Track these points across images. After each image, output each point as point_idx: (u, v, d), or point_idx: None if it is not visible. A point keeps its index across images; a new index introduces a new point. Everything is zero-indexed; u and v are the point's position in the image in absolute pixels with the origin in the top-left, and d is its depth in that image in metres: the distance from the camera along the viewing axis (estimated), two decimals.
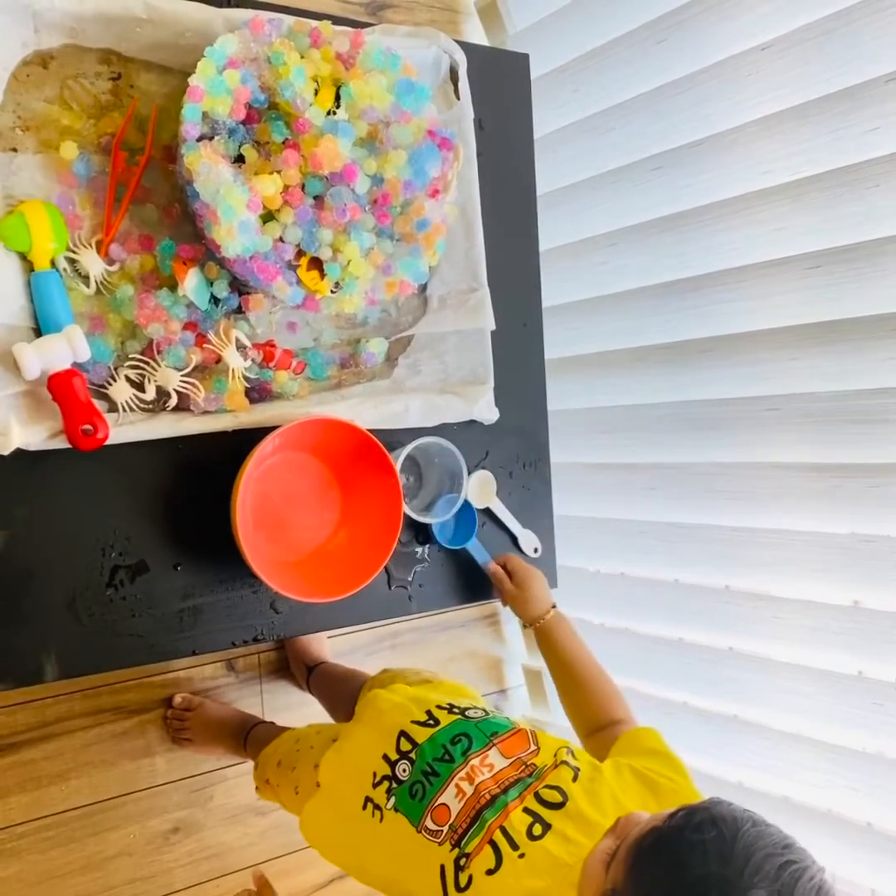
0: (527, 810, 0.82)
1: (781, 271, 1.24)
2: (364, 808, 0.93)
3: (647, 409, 1.48)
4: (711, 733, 1.44)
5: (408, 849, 0.86)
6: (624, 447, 1.54)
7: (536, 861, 0.78)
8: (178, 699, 1.54)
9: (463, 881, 0.80)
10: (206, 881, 1.60)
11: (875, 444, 1.18)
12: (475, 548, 1.18)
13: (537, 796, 0.83)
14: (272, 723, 1.49)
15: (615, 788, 0.84)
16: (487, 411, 1.17)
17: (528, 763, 0.88)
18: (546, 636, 1.11)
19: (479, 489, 1.19)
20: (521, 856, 0.78)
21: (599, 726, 1.01)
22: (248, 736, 1.45)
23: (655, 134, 1.41)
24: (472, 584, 1.20)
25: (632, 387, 1.50)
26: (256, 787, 1.23)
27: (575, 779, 0.84)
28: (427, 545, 1.17)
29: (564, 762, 0.87)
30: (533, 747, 0.91)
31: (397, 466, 1.03)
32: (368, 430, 1.01)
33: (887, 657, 1.20)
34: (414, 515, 1.10)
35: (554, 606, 1.13)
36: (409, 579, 1.15)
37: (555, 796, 0.83)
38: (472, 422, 1.18)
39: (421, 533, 1.16)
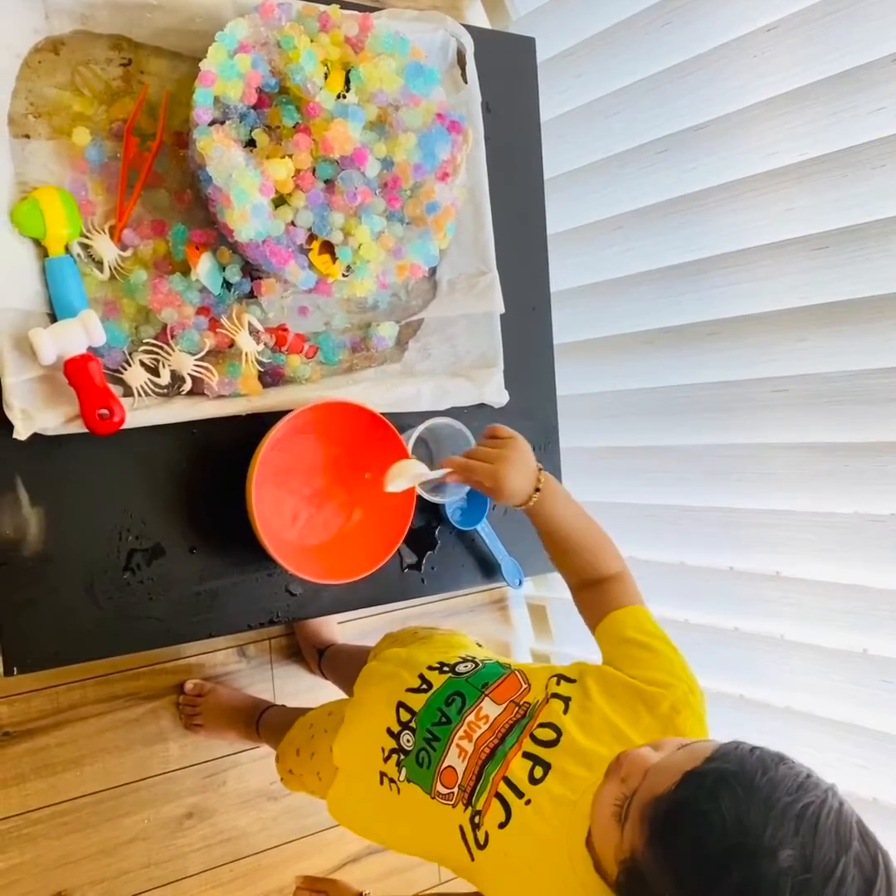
0: (526, 754, 0.83)
1: (788, 253, 1.25)
2: (381, 783, 0.94)
3: (653, 392, 1.49)
4: (718, 713, 1.43)
5: (427, 816, 0.88)
6: (631, 431, 1.55)
7: (543, 805, 0.79)
8: (189, 685, 1.55)
9: (481, 839, 0.82)
10: (220, 865, 1.62)
11: (882, 423, 1.18)
12: (486, 530, 1.19)
13: (533, 737, 0.84)
14: (283, 706, 1.50)
15: (605, 710, 0.84)
16: (497, 394, 1.18)
17: (521, 703, 0.89)
18: (535, 517, 0.98)
19: (409, 478, 0.99)
20: (528, 803, 0.80)
21: (590, 581, 0.97)
22: (260, 720, 1.47)
23: (660, 117, 1.41)
24: (483, 566, 1.21)
25: (638, 370, 1.51)
26: (281, 779, 1.24)
27: (566, 710, 0.84)
28: (438, 528, 1.17)
29: (555, 694, 0.87)
30: (524, 686, 0.91)
31: (409, 447, 1.04)
32: (380, 413, 1.02)
33: (893, 635, 1.21)
34: (426, 495, 1.10)
35: (537, 489, 0.96)
36: (422, 562, 1.16)
37: (549, 734, 0.83)
38: (483, 405, 1.18)
39: (433, 516, 1.17)
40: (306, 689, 1.65)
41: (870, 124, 1.14)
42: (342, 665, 1.52)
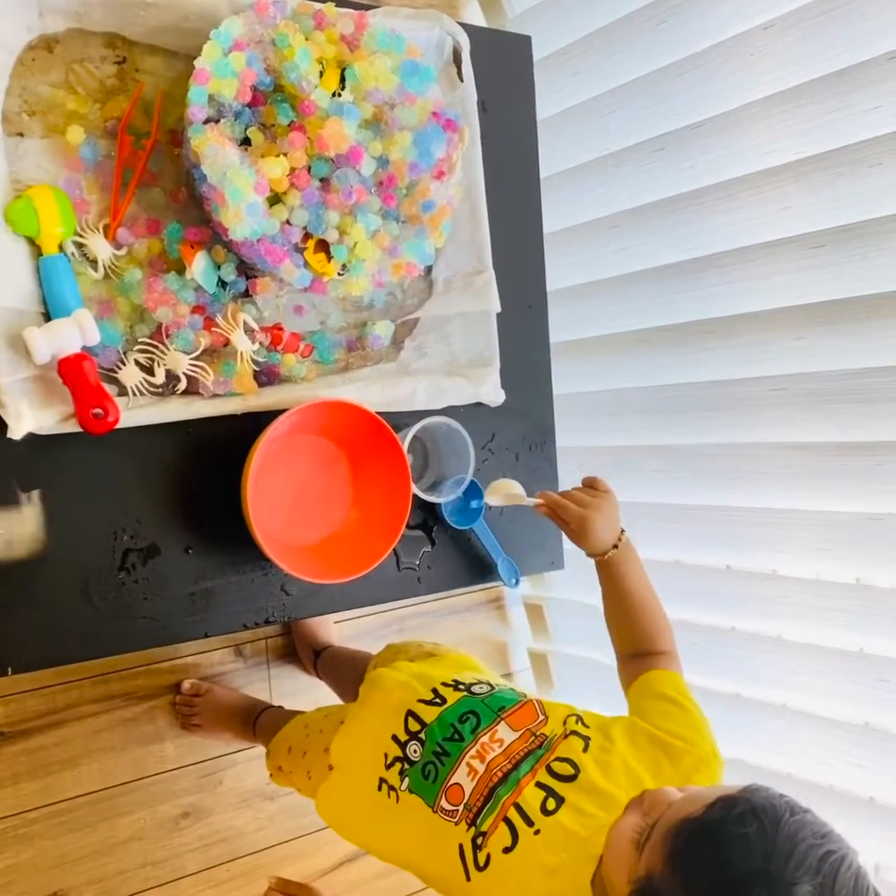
0: (539, 785, 0.83)
1: (785, 251, 1.25)
2: (379, 789, 0.94)
3: (650, 391, 1.49)
4: (714, 712, 1.43)
5: (426, 829, 0.87)
6: (628, 430, 1.55)
7: (552, 836, 0.79)
8: (186, 685, 1.55)
9: (481, 860, 0.81)
10: (217, 865, 1.62)
11: (879, 422, 1.19)
12: (482, 529, 1.19)
13: (549, 770, 0.84)
14: (280, 707, 1.50)
15: (627, 756, 0.84)
16: (494, 393, 1.18)
17: (538, 733, 0.89)
18: (606, 571, 1.03)
19: (503, 496, 1.13)
20: (537, 832, 0.79)
21: (639, 652, 1.00)
22: (257, 721, 1.47)
23: (657, 115, 1.41)
24: (479, 565, 1.21)
25: (636, 369, 1.51)
26: (270, 775, 1.25)
27: (585, 749, 0.85)
28: (435, 528, 1.17)
29: (574, 732, 0.87)
30: (541, 717, 0.91)
31: (405, 446, 1.04)
32: (376, 412, 1.02)
33: (890, 633, 1.21)
34: (422, 495, 1.10)
35: (616, 545, 1.02)
36: (418, 561, 1.16)
37: (566, 769, 0.83)
38: (479, 404, 1.18)
39: (429, 516, 1.17)
40: (303, 690, 1.65)
41: (866, 123, 1.14)
42: (338, 668, 1.52)
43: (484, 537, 1.19)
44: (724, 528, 1.41)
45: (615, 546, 1.02)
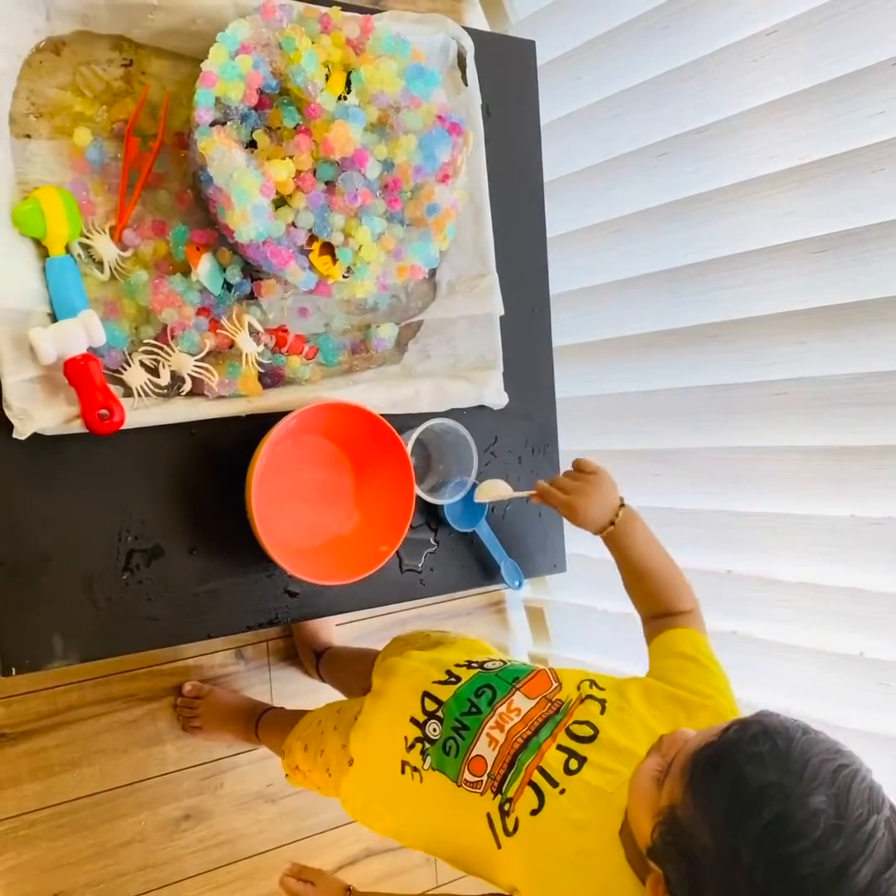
0: (560, 747, 0.84)
1: (788, 256, 1.25)
2: (403, 772, 0.95)
3: (653, 395, 1.49)
4: None
5: (452, 804, 0.88)
6: (630, 433, 1.55)
7: (577, 794, 0.80)
8: (187, 687, 1.54)
9: (510, 826, 0.82)
10: (217, 868, 1.61)
11: (880, 426, 1.19)
12: (485, 531, 1.19)
13: (569, 732, 0.85)
14: (282, 708, 1.50)
15: (644, 715, 0.86)
16: (497, 396, 1.18)
17: (553, 699, 0.90)
18: (610, 546, 1.04)
19: (492, 497, 1.15)
20: (562, 792, 0.81)
21: (659, 613, 1.01)
22: (259, 723, 1.47)
23: (660, 120, 1.41)
24: (482, 567, 1.21)
25: (638, 373, 1.51)
26: (287, 775, 1.25)
27: (603, 711, 0.87)
28: (437, 530, 1.17)
29: (590, 696, 0.89)
30: (555, 684, 0.93)
31: (408, 449, 1.04)
32: (379, 414, 1.02)
33: (890, 637, 1.21)
34: (425, 496, 1.10)
35: (612, 522, 1.02)
36: (421, 563, 1.16)
37: (586, 730, 0.85)
38: (482, 407, 1.18)
39: (432, 518, 1.17)
40: (304, 692, 1.65)
41: (870, 128, 1.15)
42: (342, 665, 1.52)
43: (487, 539, 1.19)
44: (727, 532, 1.41)
45: (612, 523, 1.02)
